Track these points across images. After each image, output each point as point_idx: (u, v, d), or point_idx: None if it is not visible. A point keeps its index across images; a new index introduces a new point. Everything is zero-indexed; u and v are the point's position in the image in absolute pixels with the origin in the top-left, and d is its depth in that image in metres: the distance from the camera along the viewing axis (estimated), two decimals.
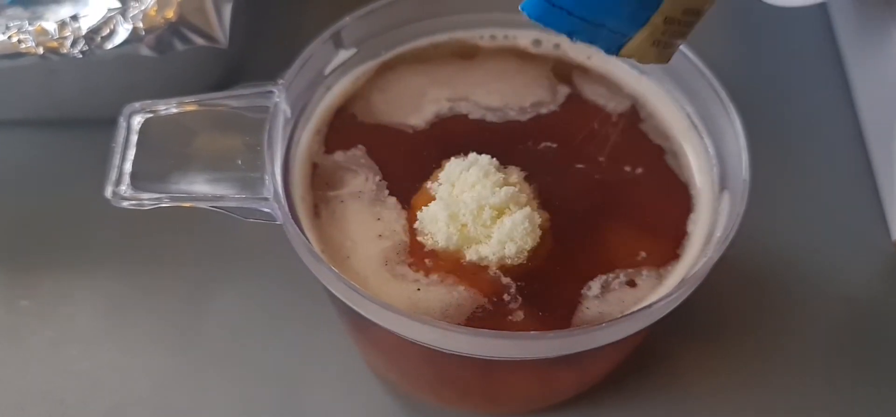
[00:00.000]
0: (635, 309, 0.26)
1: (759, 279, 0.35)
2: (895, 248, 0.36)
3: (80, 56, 0.34)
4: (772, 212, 0.37)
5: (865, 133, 0.40)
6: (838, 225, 0.37)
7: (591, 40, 0.25)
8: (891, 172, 0.37)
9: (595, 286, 0.27)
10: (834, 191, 0.39)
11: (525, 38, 0.34)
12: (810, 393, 0.33)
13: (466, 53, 0.33)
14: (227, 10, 0.35)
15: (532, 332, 0.25)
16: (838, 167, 0.39)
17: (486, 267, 0.27)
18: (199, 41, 0.34)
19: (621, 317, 0.25)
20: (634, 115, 0.32)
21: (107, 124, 0.29)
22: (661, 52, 0.26)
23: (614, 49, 0.25)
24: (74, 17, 0.34)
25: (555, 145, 0.31)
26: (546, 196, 0.29)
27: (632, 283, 0.27)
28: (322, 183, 0.29)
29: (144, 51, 0.34)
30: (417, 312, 0.26)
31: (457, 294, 0.27)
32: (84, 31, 0.34)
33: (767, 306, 0.35)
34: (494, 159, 0.28)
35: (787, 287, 0.35)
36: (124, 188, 0.27)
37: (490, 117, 0.32)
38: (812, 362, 0.33)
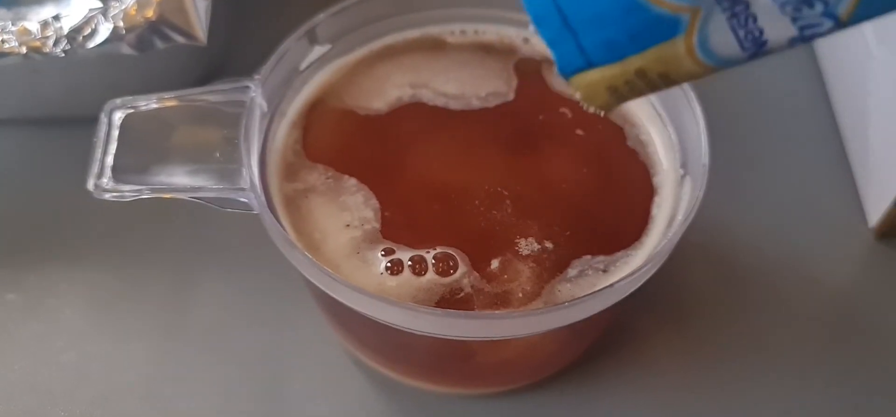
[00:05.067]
0: (600, 288, 0.27)
1: (732, 265, 0.36)
2: (872, 234, 0.37)
3: (63, 55, 0.34)
4: (745, 199, 0.38)
5: (838, 117, 0.41)
6: (813, 211, 0.38)
7: (551, 41, 0.22)
8: (866, 158, 0.38)
9: (564, 271, 0.28)
10: (808, 177, 0.39)
11: (493, 33, 0.35)
12: (784, 377, 0.33)
13: (437, 47, 0.34)
14: (207, 9, 0.36)
15: (500, 312, 0.26)
16: (812, 153, 0.40)
17: (452, 253, 0.28)
18: (179, 39, 0.35)
19: (586, 296, 0.26)
20: None
21: (89, 122, 0.29)
22: (609, 100, 0.23)
23: (569, 69, 0.23)
24: (56, 17, 0.35)
25: (519, 132, 0.32)
26: (512, 183, 0.30)
27: (600, 266, 0.28)
28: (297, 174, 0.30)
29: (125, 49, 0.35)
30: (388, 296, 0.27)
31: (426, 279, 0.28)
32: (66, 31, 0.34)
33: (741, 292, 0.36)
34: None
35: (760, 273, 0.36)
36: (106, 180, 0.28)
37: (454, 105, 0.32)
38: (785, 347, 0.34)
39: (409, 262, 0.28)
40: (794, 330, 0.35)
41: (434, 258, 0.28)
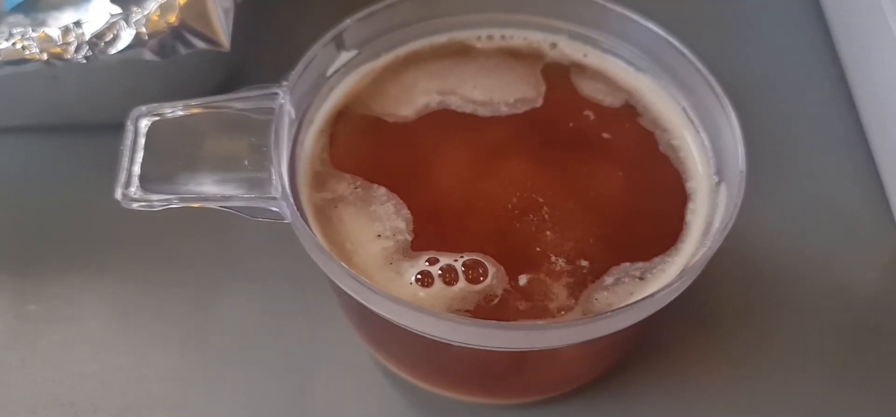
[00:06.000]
0: (638, 298, 0.27)
1: (761, 272, 0.36)
2: None
3: (84, 61, 0.34)
4: (772, 205, 0.37)
5: (864, 121, 0.40)
6: (841, 215, 0.38)
7: None
8: (894, 161, 0.37)
9: (601, 278, 0.28)
10: (834, 181, 0.39)
11: (520, 38, 0.34)
12: (813, 384, 0.33)
13: (464, 53, 0.34)
14: (230, 15, 0.35)
15: (539, 322, 0.26)
16: (838, 158, 0.40)
17: (482, 260, 0.28)
18: (202, 45, 0.35)
19: (624, 306, 0.26)
20: (630, 110, 0.32)
21: (111, 129, 0.29)
22: None
23: None
24: (78, 24, 0.34)
25: (549, 138, 0.31)
26: (544, 190, 0.30)
27: (636, 273, 0.28)
28: (325, 183, 0.30)
29: (148, 55, 0.34)
30: (423, 306, 0.27)
31: (459, 289, 0.27)
32: (87, 37, 0.34)
33: (769, 298, 0.35)
34: None
35: (789, 278, 0.36)
36: (134, 190, 0.27)
37: (482, 112, 0.32)
38: (814, 353, 0.34)
39: (439, 272, 0.28)
40: (824, 336, 0.34)
41: (464, 265, 0.28)
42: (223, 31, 0.35)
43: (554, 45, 0.34)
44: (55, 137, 0.39)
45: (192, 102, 0.29)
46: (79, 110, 0.38)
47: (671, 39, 0.31)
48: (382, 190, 0.30)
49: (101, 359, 0.33)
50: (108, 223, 0.36)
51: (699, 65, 0.31)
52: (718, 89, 0.30)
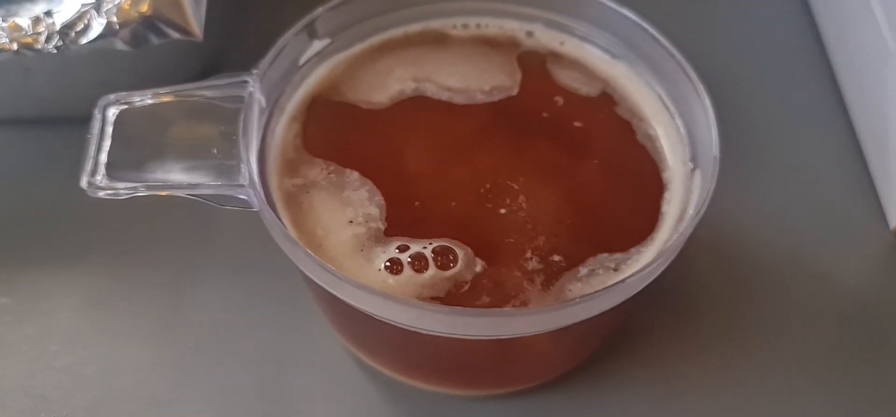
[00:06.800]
0: (611, 283, 0.26)
1: (743, 264, 0.36)
2: (893, 236, 0.36)
3: (55, 51, 0.34)
4: (755, 196, 0.37)
5: (850, 110, 0.40)
6: (830, 210, 0.37)
7: None
8: (885, 157, 0.37)
9: (575, 268, 0.27)
10: (821, 172, 0.39)
11: (496, 26, 0.34)
12: (794, 375, 0.33)
13: (439, 41, 0.34)
14: (202, 4, 0.35)
15: (506, 309, 0.26)
16: (824, 147, 0.39)
17: (454, 247, 0.27)
18: (174, 35, 0.34)
19: (597, 292, 0.25)
20: (607, 99, 0.32)
21: (82, 121, 0.29)
22: None
23: None
24: (48, 13, 0.34)
25: (525, 126, 0.31)
26: (519, 178, 0.29)
27: (611, 264, 0.28)
28: (297, 170, 0.30)
29: (119, 45, 0.34)
30: (393, 293, 0.26)
31: (429, 276, 0.27)
32: (58, 27, 0.33)
33: (754, 290, 0.35)
34: None
35: (774, 272, 0.35)
36: (100, 178, 0.27)
37: (458, 99, 0.32)
38: (796, 345, 0.34)
39: (409, 259, 0.27)
40: (810, 331, 0.34)
41: (433, 252, 0.27)
42: (195, 21, 0.34)
43: (530, 34, 0.34)
44: (28, 130, 0.39)
45: (162, 90, 0.29)
46: (52, 102, 0.38)
47: (646, 26, 0.31)
48: (356, 175, 0.29)
49: (74, 352, 0.33)
50: (82, 216, 0.36)
51: (673, 51, 0.30)
52: (693, 74, 0.29)
